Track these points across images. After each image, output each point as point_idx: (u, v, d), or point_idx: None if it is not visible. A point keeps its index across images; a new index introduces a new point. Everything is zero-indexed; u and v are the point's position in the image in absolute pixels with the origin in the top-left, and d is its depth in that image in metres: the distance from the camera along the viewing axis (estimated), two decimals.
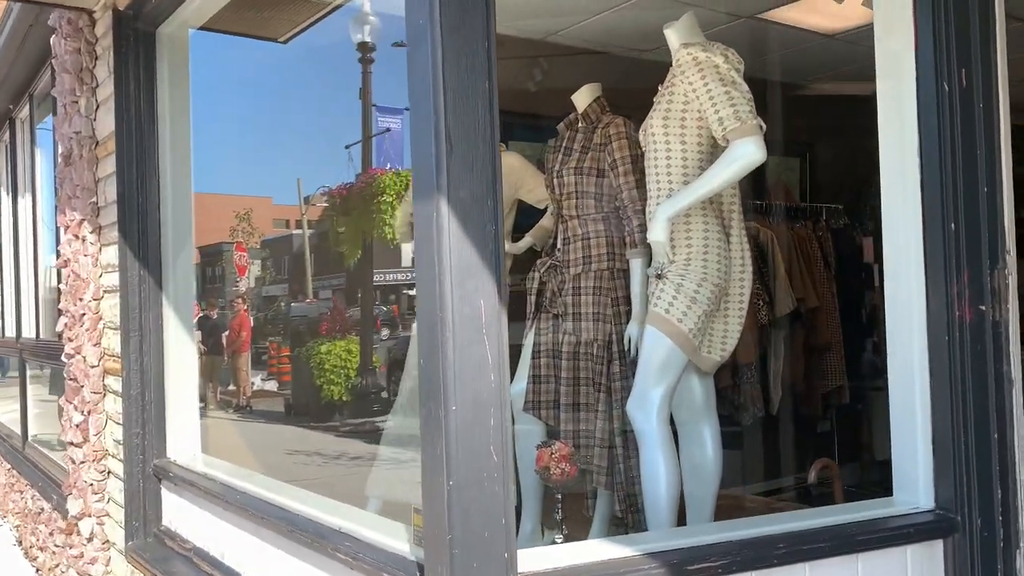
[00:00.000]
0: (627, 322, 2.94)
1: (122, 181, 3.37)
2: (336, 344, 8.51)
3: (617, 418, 2.87)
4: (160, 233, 3.38)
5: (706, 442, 2.72)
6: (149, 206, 3.35)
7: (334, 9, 3.80)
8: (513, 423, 3.23)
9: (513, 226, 3.65)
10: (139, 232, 3.35)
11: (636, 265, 2.88)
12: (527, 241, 3.53)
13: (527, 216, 3.69)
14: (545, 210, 3.56)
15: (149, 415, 3.35)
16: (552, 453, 2.68)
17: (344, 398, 8.09)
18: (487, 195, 1.66)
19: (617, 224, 2.96)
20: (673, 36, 2.65)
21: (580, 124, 3.07)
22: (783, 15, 3.82)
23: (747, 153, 2.35)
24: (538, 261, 3.13)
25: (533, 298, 3.11)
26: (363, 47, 7.69)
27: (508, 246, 3.48)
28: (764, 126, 2.42)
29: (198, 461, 3.38)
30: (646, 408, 2.49)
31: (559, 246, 3.05)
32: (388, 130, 9.54)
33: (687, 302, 2.50)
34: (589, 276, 2.95)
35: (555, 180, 3.05)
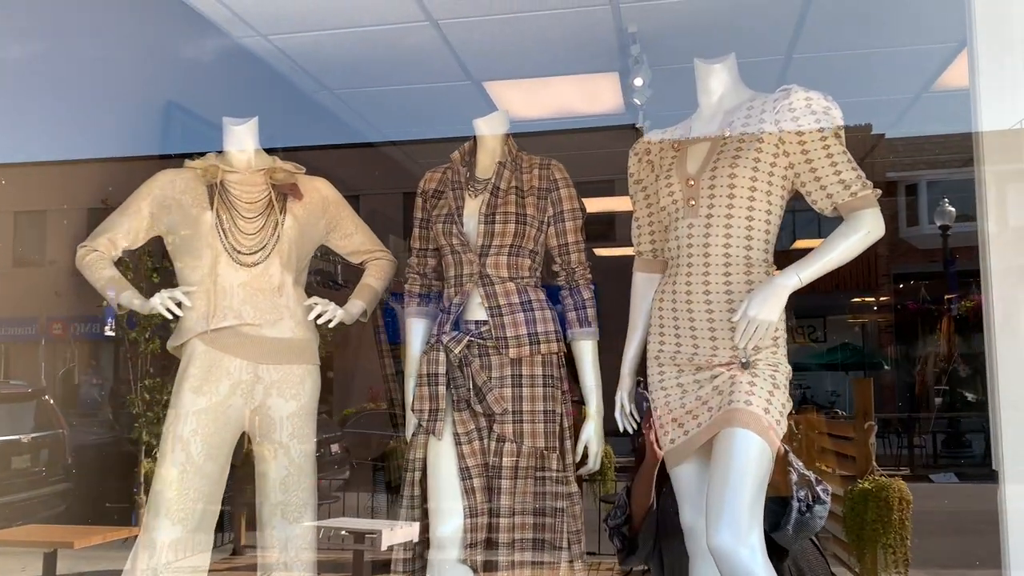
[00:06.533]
0: (570, 425, 2.41)
1: None
2: None
3: (581, 565, 2.32)
4: None
5: None
6: None
7: None
8: None
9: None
10: None
11: (588, 348, 2.41)
12: (359, 306, 2.74)
13: None
14: (361, 265, 2.84)
15: None
16: None
17: None
18: None
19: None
20: (724, 75, 2.20)
21: (507, 159, 2.44)
22: None
23: (878, 226, 2.04)
24: (445, 337, 2.36)
25: (439, 389, 2.35)
26: None
27: (338, 312, 2.65)
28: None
29: None
30: (750, 540, 1.89)
31: (484, 318, 2.36)
32: None
33: (783, 401, 2.02)
34: (536, 362, 2.34)
35: (481, 226, 2.37)
